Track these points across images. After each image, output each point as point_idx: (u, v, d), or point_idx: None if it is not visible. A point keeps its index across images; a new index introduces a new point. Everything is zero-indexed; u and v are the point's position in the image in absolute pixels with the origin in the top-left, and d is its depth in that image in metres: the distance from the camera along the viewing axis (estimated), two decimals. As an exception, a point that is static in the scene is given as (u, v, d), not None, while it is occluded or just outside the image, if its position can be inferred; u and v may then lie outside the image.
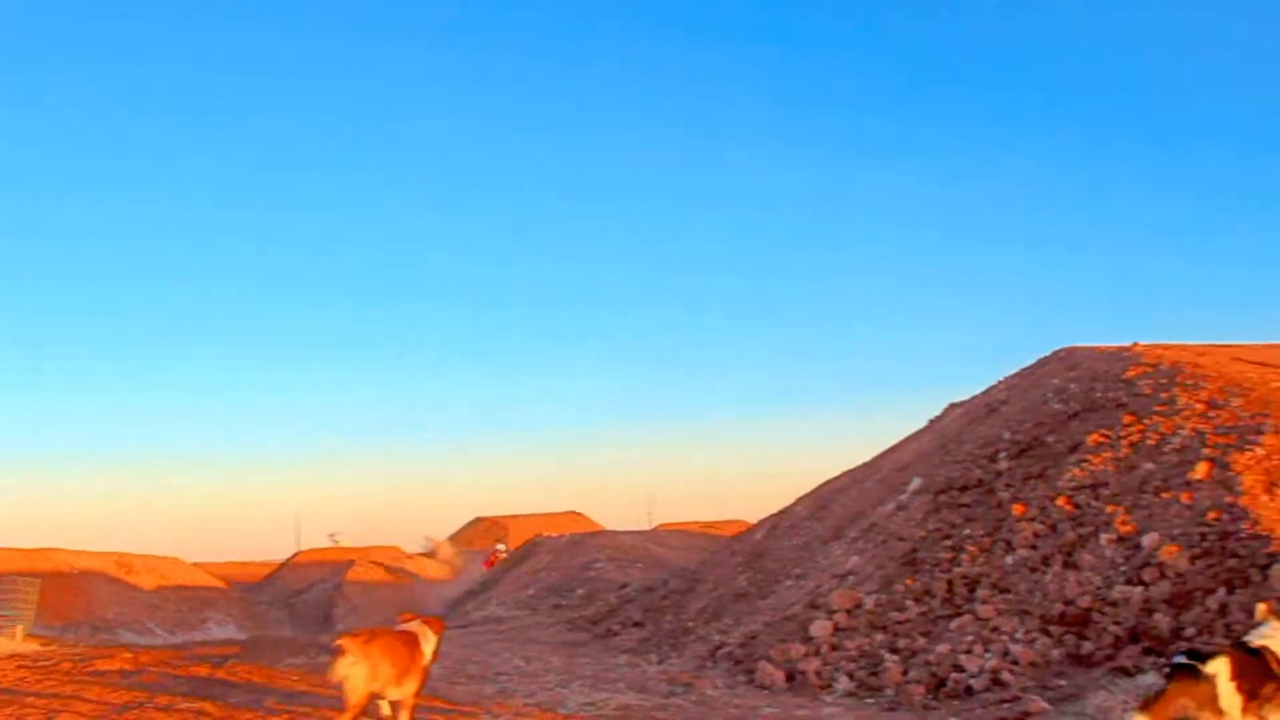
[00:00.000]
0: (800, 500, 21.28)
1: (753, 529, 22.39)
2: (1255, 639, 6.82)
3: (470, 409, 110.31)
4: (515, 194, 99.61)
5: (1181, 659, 6.48)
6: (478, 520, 66.62)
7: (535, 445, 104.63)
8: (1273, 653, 6.71)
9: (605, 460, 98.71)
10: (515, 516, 63.61)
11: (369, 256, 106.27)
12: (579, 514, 62.41)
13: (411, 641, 8.57)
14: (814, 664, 13.35)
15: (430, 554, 57.60)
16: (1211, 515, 12.92)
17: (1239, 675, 6.45)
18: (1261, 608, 7.21)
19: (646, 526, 52.72)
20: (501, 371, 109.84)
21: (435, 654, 8.85)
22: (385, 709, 8.48)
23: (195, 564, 48.67)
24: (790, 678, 13.33)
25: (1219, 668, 6.33)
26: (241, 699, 11.04)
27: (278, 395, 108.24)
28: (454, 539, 62.24)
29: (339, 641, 8.20)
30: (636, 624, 19.06)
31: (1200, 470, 13.84)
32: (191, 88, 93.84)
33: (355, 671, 7.93)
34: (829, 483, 21.23)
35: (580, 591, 26.17)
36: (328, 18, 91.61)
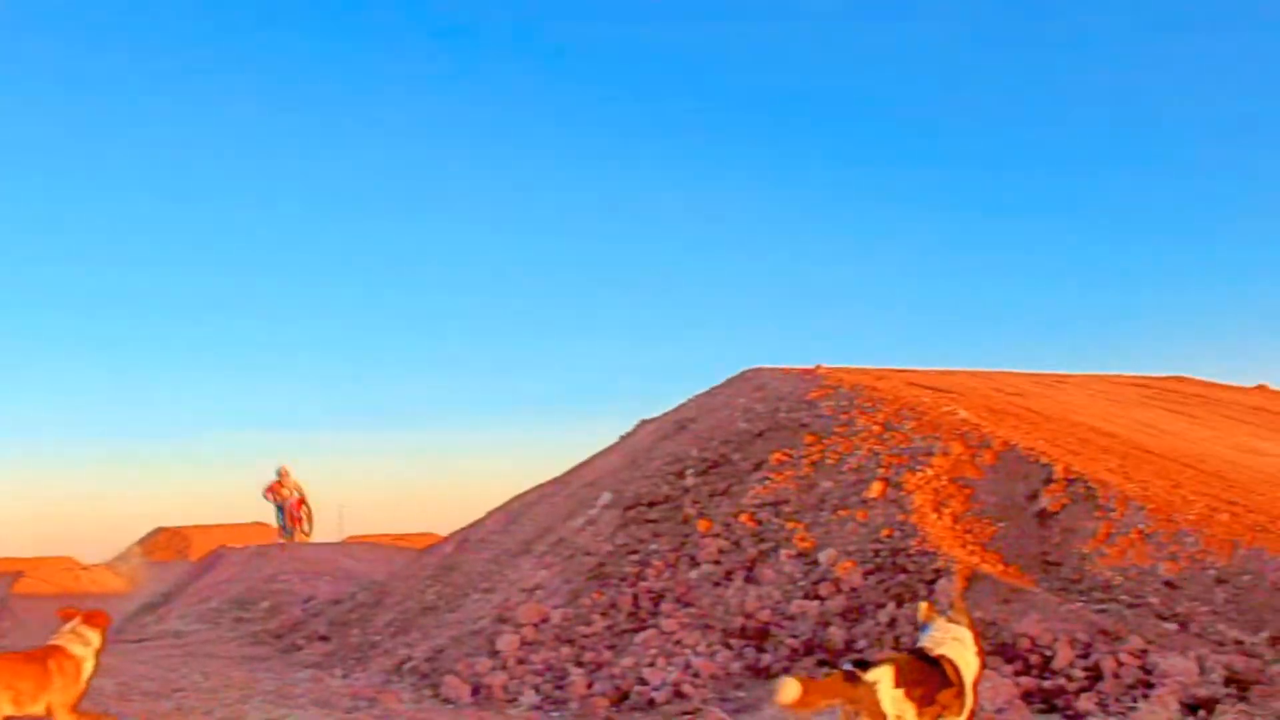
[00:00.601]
0: (491, 514, 21.18)
1: (443, 542, 22.17)
2: (929, 645, 7.00)
3: (149, 414, 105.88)
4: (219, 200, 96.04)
5: (848, 667, 6.62)
6: (158, 531, 63.84)
7: (223, 453, 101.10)
8: (950, 660, 6.91)
9: (295, 470, 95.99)
10: (199, 527, 61.31)
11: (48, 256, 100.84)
12: (266, 525, 60.61)
13: (44, 656, 8.06)
14: (500, 678, 13.32)
15: (111, 565, 55.11)
16: (884, 533, 13.48)
17: (907, 683, 6.58)
18: (923, 607, 7.41)
19: (336, 538, 51.62)
20: (180, 373, 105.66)
21: (100, 651, 8.40)
22: None
23: None
24: (476, 692, 13.26)
25: (880, 675, 6.47)
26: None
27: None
28: (133, 551, 59.67)
29: None
30: (322, 638, 18.65)
31: (875, 489, 14.43)
32: None
33: None
34: (520, 496, 21.19)
35: (264, 605, 25.40)
36: None
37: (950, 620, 7.19)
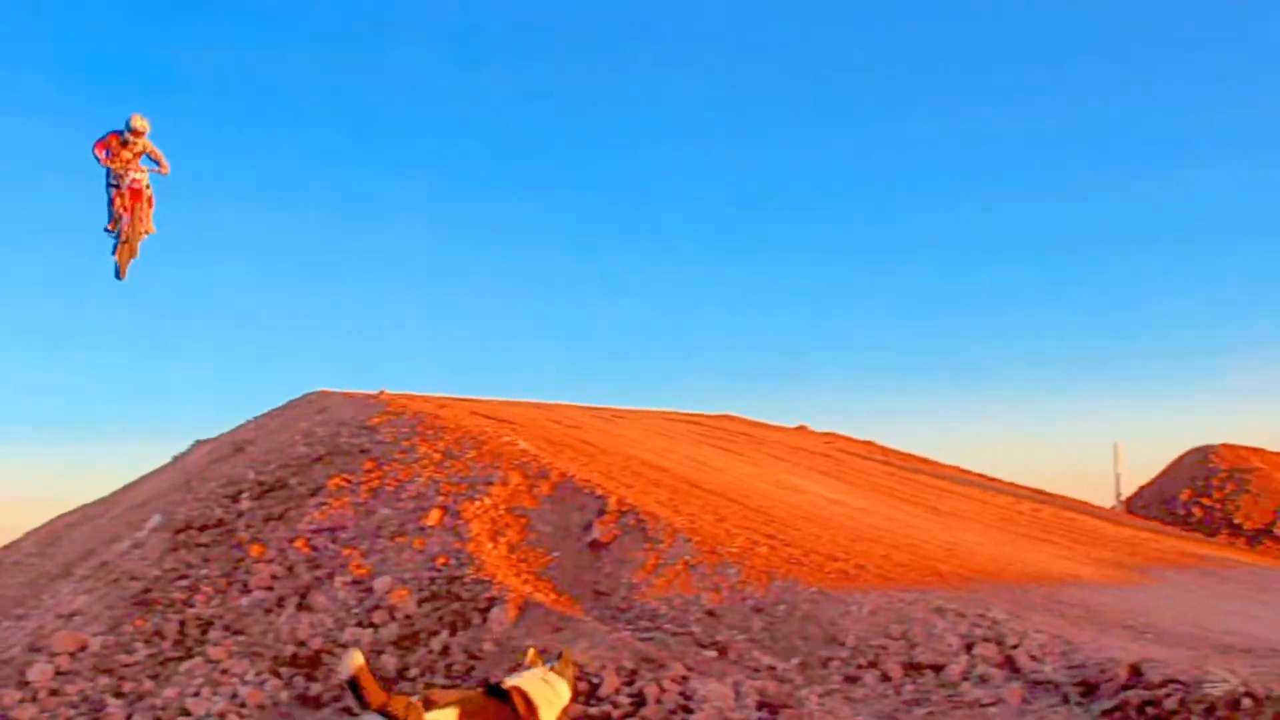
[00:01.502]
0: (29, 535, 20.00)
1: (-30, 565, 20.80)
2: (508, 680, 7.05)
3: None
4: None
5: (416, 698, 6.59)
6: None
7: None
8: (523, 693, 6.97)
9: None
10: None
11: None
12: None
13: None
14: (30, 711, 12.56)
15: None
16: (440, 561, 13.55)
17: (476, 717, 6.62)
18: (531, 653, 7.52)
19: None
20: None
21: None
22: None
23: None
24: (1, 726, 12.49)
25: (445, 717, 6.48)
26: None
27: None
28: None
29: None
30: None
31: (433, 517, 14.49)
32: None
33: None
34: (62, 517, 20.08)
35: None
36: None
37: (554, 670, 7.30)
